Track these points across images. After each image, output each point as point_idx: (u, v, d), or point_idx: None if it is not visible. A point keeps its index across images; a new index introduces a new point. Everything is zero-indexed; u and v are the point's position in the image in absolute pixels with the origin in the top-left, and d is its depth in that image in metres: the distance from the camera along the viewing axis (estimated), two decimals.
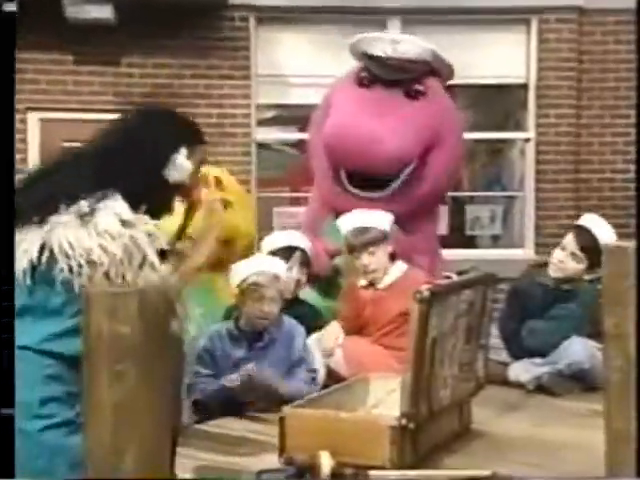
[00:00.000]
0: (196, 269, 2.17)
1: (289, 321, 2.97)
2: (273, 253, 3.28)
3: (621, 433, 1.71)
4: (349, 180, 3.76)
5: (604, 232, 3.31)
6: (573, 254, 3.32)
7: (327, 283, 3.75)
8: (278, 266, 2.99)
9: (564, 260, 3.34)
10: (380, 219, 3.30)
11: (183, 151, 2.10)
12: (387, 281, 3.27)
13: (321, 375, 3.07)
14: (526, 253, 5.55)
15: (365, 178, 3.67)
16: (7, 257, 1.84)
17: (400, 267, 3.28)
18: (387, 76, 3.76)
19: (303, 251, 3.42)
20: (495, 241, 6.19)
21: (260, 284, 2.86)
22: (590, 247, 3.24)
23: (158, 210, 2.00)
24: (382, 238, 3.25)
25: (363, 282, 3.32)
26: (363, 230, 3.26)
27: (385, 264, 3.25)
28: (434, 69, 3.84)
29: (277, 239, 3.48)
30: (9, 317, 1.81)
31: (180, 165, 2.08)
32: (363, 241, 3.24)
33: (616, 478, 1.69)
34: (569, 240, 3.35)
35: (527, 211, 5.71)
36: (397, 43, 3.72)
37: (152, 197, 1.96)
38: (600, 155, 5.55)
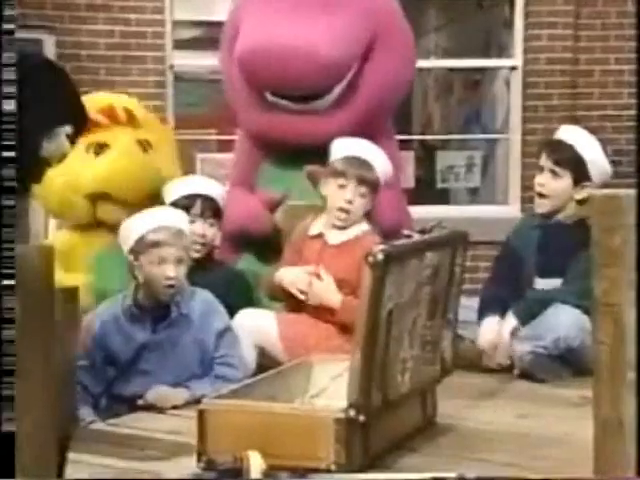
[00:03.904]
0: None
1: (202, 294, 2.99)
2: (173, 205, 3.30)
3: (611, 421, 1.78)
4: (274, 95, 3.79)
5: (583, 141, 3.52)
6: (552, 171, 3.50)
7: (266, 244, 3.78)
8: (181, 219, 3.01)
9: (544, 182, 3.52)
10: (385, 167, 3.37)
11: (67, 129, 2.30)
12: (341, 238, 3.31)
13: (251, 360, 3.13)
14: (510, 210, 5.64)
15: (295, 94, 3.72)
16: None
17: (361, 226, 3.32)
18: None
19: (208, 199, 3.41)
20: (473, 195, 6.28)
21: (161, 243, 2.87)
22: (567, 159, 3.47)
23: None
24: (377, 188, 3.32)
25: (316, 230, 3.36)
26: (365, 164, 3.30)
27: (358, 218, 3.30)
28: None
29: (177, 187, 3.48)
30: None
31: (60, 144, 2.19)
32: (361, 175, 3.27)
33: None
34: (543, 158, 3.55)
35: (512, 158, 5.79)
36: None
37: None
38: (601, 87, 5.64)
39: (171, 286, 2.88)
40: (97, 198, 3.65)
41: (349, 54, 3.77)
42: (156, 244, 2.87)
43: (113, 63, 5.40)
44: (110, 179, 3.61)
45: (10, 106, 1.94)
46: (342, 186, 3.29)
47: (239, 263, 3.82)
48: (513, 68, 5.76)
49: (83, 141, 3.71)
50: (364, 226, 3.33)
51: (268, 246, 3.80)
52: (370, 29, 3.85)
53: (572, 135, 3.56)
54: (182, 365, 2.90)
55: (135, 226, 2.93)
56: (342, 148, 3.38)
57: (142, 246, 2.89)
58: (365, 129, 3.76)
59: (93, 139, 3.69)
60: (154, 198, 3.59)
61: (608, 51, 5.60)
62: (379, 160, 3.35)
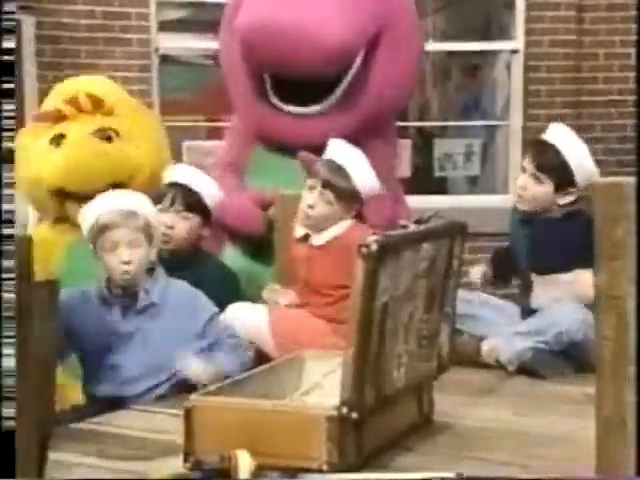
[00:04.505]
0: None
1: (179, 284, 3.00)
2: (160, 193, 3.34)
3: (613, 419, 1.80)
4: (275, 90, 3.78)
5: (570, 145, 3.47)
6: (534, 175, 3.47)
7: (258, 242, 3.78)
8: (135, 201, 2.98)
9: (526, 185, 3.50)
10: (370, 181, 3.30)
11: None
12: (324, 238, 3.31)
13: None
14: (511, 200, 5.64)
15: (295, 85, 3.71)
16: None
17: (342, 223, 3.31)
18: None
19: (186, 190, 3.41)
20: (472, 185, 6.30)
21: (110, 225, 2.86)
22: (551, 165, 3.44)
23: None
24: (351, 199, 3.26)
25: (299, 232, 3.36)
26: (341, 171, 3.25)
27: (327, 220, 3.28)
28: None
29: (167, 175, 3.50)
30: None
31: None
32: (329, 180, 3.23)
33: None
34: (527, 160, 3.53)
35: (513, 145, 5.80)
36: None
37: None
38: (607, 71, 5.65)
39: (127, 272, 2.87)
40: (59, 193, 3.63)
41: (356, 41, 3.73)
42: (106, 227, 2.87)
43: (95, 45, 5.39)
44: (64, 174, 3.56)
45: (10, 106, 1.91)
46: (312, 188, 3.27)
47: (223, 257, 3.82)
48: (514, 51, 5.77)
49: (48, 134, 3.69)
50: (347, 222, 3.31)
51: (258, 243, 3.81)
52: (379, 15, 3.82)
53: (559, 137, 3.49)
54: (157, 359, 2.89)
55: (88, 212, 2.94)
56: (329, 150, 3.35)
57: (95, 232, 2.89)
58: (368, 128, 3.76)
59: (56, 131, 3.66)
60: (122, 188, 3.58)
61: (613, 33, 5.60)
62: (360, 172, 3.28)
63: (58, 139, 3.64)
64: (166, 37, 5.67)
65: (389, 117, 4.06)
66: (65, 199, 3.64)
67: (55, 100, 3.79)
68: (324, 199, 3.24)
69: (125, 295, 2.94)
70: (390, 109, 4.01)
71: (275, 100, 3.81)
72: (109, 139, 3.68)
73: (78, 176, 3.56)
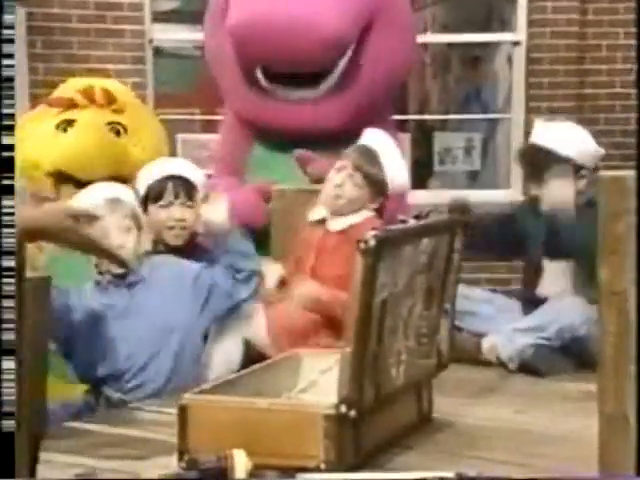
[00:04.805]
0: None
1: (168, 259, 3.10)
2: (145, 193, 3.35)
3: (616, 416, 1.80)
4: (267, 79, 3.79)
5: (557, 138, 3.43)
6: (537, 181, 3.47)
7: (261, 236, 3.79)
8: (119, 190, 3.08)
9: (540, 192, 3.50)
10: (401, 176, 3.33)
11: None
12: (340, 225, 3.32)
13: (238, 353, 3.15)
14: (512, 194, 5.67)
15: (288, 76, 3.74)
16: None
17: (362, 213, 3.33)
18: None
19: (181, 180, 3.41)
20: (472, 179, 6.31)
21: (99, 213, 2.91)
22: (549, 167, 3.41)
23: None
24: (380, 188, 3.27)
25: (317, 215, 3.37)
26: (374, 158, 3.27)
27: (353, 204, 3.30)
28: None
29: (146, 174, 3.47)
30: None
31: None
32: (360, 164, 3.25)
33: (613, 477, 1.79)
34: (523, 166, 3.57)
35: (514, 139, 5.81)
36: None
37: None
38: (610, 63, 5.66)
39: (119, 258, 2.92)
40: (58, 177, 3.65)
41: (351, 28, 3.76)
42: (95, 217, 2.91)
43: (87, 37, 5.39)
44: (69, 157, 3.61)
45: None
46: (339, 169, 3.30)
47: None
48: (516, 43, 5.77)
49: (55, 119, 3.73)
50: (365, 212, 3.32)
51: (261, 237, 3.81)
52: (371, 2, 3.85)
53: (547, 136, 3.45)
54: (155, 328, 2.97)
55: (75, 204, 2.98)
56: (364, 137, 3.38)
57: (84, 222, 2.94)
58: (365, 115, 3.76)
59: (65, 117, 3.70)
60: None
61: (616, 24, 5.61)
62: (392, 164, 3.31)
63: (66, 124, 3.68)
64: (160, 28, 5.68)
65: (385, 101, 4.07)
66: (61, 183, 3.66)
67: (67, 92, 3.84)
68: (352, 181, 3.27)
69: (116, 275, 3.01)
70: (385, 91, 4.01)
71: (266, 84, 3.81)
72: (118, 133, 3.73)
73: (83, 161, 3.60)
